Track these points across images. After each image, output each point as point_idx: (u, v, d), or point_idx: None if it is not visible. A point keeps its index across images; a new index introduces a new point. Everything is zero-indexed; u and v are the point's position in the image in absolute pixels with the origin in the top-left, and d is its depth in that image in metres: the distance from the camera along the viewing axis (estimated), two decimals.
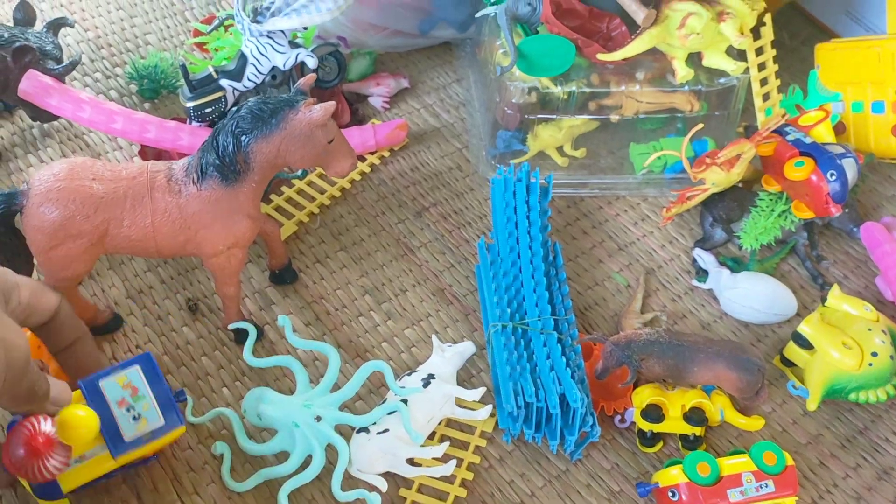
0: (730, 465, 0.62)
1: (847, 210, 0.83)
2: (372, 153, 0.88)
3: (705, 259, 0.80)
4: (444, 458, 0.64)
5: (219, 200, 0.64)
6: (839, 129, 0.89)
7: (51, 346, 0.56)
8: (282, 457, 0.64)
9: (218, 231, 0.65)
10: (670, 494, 0.61)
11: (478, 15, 0.85)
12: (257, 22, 0.81)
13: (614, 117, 0.87)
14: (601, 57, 0.78)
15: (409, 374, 0.67)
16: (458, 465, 0.64)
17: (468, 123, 0.93)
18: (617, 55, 0.78)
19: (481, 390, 0.66)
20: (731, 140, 0.88)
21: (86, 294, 0.74)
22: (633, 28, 0.80)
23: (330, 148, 0.66)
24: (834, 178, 0.75)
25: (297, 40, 0.86)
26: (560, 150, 0.89)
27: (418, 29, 0.97)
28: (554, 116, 0.85)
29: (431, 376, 0.66)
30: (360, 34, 0.96)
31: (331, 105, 0.63)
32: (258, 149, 0.63)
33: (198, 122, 0.82)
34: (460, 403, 0.67)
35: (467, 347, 0.69)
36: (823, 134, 0.82)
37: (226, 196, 0.64)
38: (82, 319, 0.61)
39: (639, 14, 0.76)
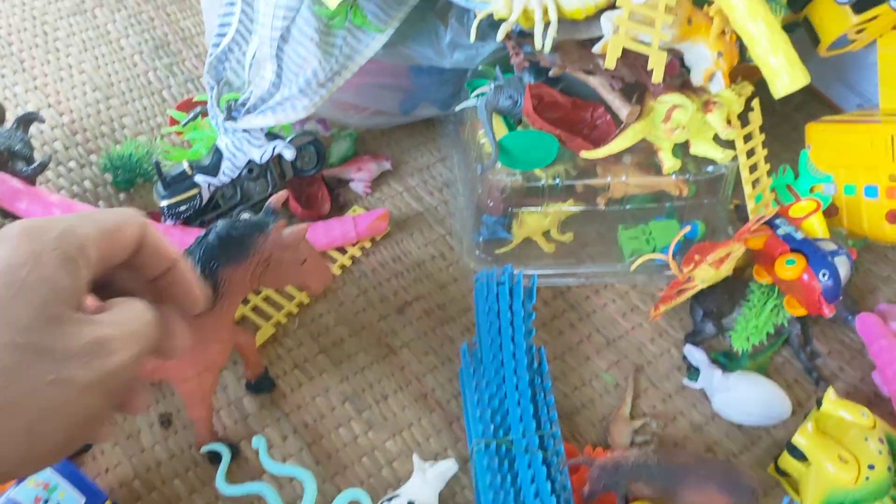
0: None
1: (842, 298, 0.80)
2: (353, 244, 0.86)
3: (696, 356, 0.77)
4: None
5: (190, 328, 0.61)
6: (831, 211, 0.87)
7: (143, 273, 0.41)
8: None
9: (187, 358, 0.62)
10: None
11: (458, 108, 0.83)
12: (232, 118, 0.79)
13: (601, 201, 0.85)
14: (585, 155, 0.76)
15: (388, 500, 0.65)
16: None
17: (452, 206, 0.91)
18: (601, 152, 0.76)
19: None
20: (721, 223, 0.87)
21: None
22: (618, 118, 0.78)
23: (303, 269, 0.63)
24: (826, 277, 0.73)
25: (275, 131, 0.84)
26: (547, 234, 0.87)
27: (399, 109, 0.95)
28: (539, 206, 0.83)
29: (412, 503, 0.64)
30: (340, 115, 0.94)
31: (302, 228, 0.61)
32: (228, 276, 0.60)
33: (172, 220, 0.80)
34: None
35: (449, 467, 0.67)
36: (815, 225, 0.79)
37: (195, 323, 0.61)
38: None
39: (622, 111, 0.74)
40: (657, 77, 0.69)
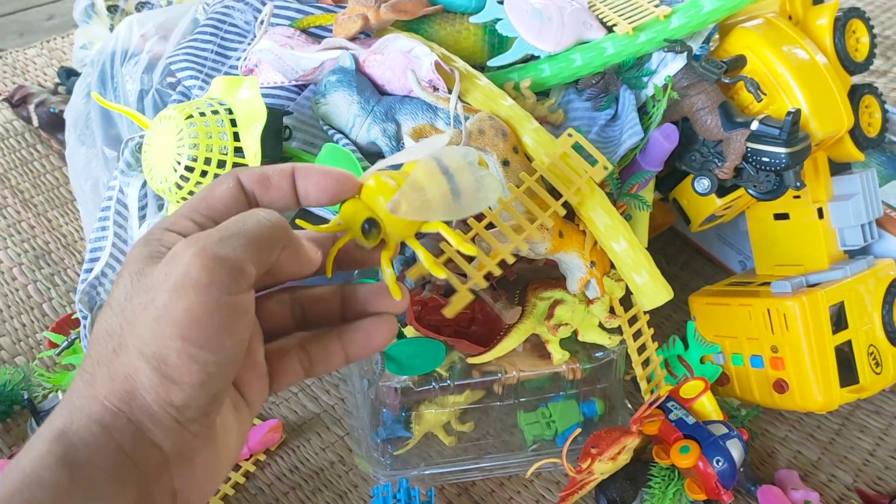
0: None
1: (743, 469, 0.81)
2: (246, 459, 0.82)
3: None
4: None
5: None
6: (723, 380, 0.88)
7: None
8: None
9: None
10: None
11: None
12: None
13: (498, 388, 0.84)
14: (471, 361, 0.76)
15: None
16: None
17: (349, 403, 0.89)
18: (487, 356, 0.76)
19: None
20: (618, 399, 0.87)
21: None
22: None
23: None
24: (720, 463, 0.73)
25: None
26: (447, 426, 0.86)
27: None
28: (435, 400, 0.82)
29: None
30: None
31: None
32: None
33: None
34: None
35: None
36: (706, 405, 0.80)
37: None
38: None
39: (504, 314, 0.75)
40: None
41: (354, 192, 0.40)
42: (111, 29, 1.17)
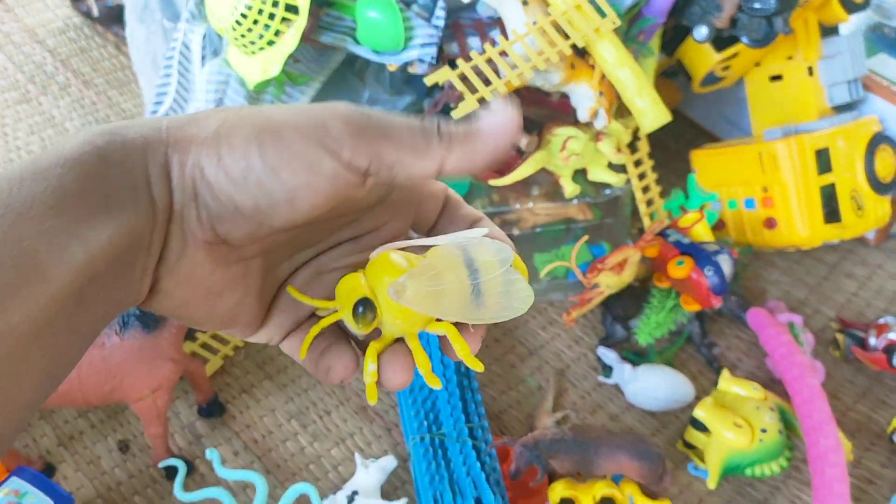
0: None
1: (735, 298, 0.90)
2: None
3: (609, 356, 0.86)
4: None
5: (142, 348, 0.68)
6: (719, 225, 0.98)
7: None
8: None
9: (142, 377, 0.68)
10: None
11: None
12: None
13: (516, 230, 0.94)
14: (493, 183, 0.86)
15: (334, 494, 0.71)
16: None
17: None
18: (507, 179, 0.85)
19: (403, 501, 0.70)
20: (625, 242, 0.97)
21: (18, 445, 0.76)
22: (522, 151, 0.88)
23: None
24: (711, 272, 0.83)
25: None
26: None
27: None
28: None
29: (355, 493, 0.70)
30: None
31: None
32: None
33: None
34: None
35: (389, 462, 0.73)
36: (702, 233, 0.90)
37: (148, 343, 0.68)
38: (11, 471, 0.64)
39: (521, 141, 0.85)
40: None
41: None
42: None
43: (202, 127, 0.30)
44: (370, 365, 0.33)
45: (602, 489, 0.71)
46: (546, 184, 0.93)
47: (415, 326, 0.33)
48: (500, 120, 0.31)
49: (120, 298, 0.30)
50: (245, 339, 0.36)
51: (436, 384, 0.33)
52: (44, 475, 0.64)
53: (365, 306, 0.32)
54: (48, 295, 0.26)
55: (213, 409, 0.80)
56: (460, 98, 0.76)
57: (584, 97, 0.83)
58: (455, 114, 0.76)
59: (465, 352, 0.33)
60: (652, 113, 0.81)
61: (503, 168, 0.89)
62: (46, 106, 1.17)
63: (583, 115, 0.84)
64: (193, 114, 0.31)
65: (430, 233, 0.36)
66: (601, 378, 0.86)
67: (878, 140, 0.94)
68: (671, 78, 1.08)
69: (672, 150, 1.13)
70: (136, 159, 0.29)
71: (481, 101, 0.76)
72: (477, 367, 0.33)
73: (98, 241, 0.27)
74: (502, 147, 0.31)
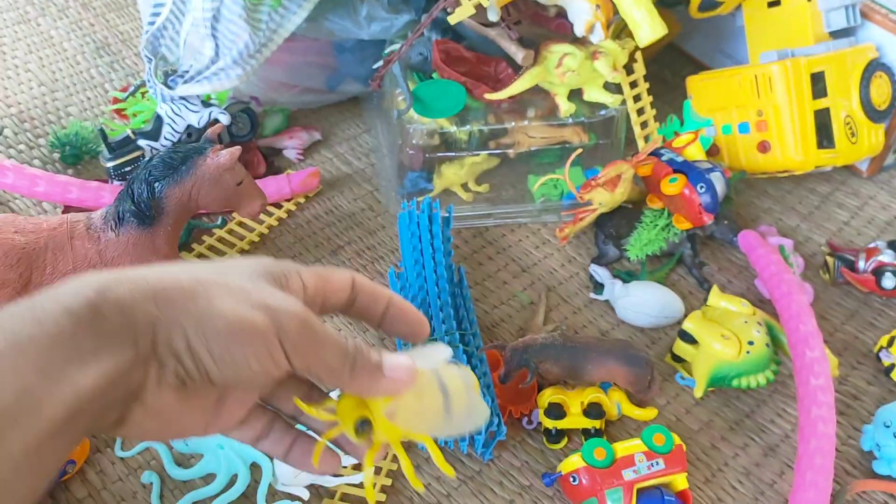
0: (623, 448, 0.68)
1: (727, 222, 0.91)
2: (288, 200, 0.94)
3: (600, 273, 0.87)
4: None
5: (136, 244, 0.69)
6: (713, 150, 0.98)
7: (367, 322, 0.46)
8: (209, 479, 0.67)
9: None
10: (572, 479, 0.66)
11: (374, 66, 0.92)
12: (168, 86, 0.87)
13: (511, 153, 0.95)
14: (488, 96, 0.86)
15: None
16: (377, 473, 0.69)
17: (378, 168, 1.00)
18: (503, 94, 0.86)
19: None
20: None
21: None
22: (519, 70, 0.88)
23: (239, 189, 0.71)
24: (703, 190, 0.83)
25: (212, 101, 0.92)
26: (465, 186, 0.96)
27: (326, 85, 1.05)
28: (454, 154, 0.92)
29: None
30: (272, 93, 1.03)
31: (236, 149, 0.69)
32: (171, 194, 0.68)
33: (118, 181, 0.87)
34: None
35: None
36: (695, 153, 0.90)
37: (143, 239, 0.69)
38: None
39: (518, 55, 0.85)
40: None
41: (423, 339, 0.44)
42: None
43: (189, 298, 0.35)
44: (369, 470, 0.41)
45: (590, 395, 0.73)
46: (542, 107, 0.93)
47: (399, 437, 0.41)
48: (401, 373, 0.39)
49: (98, 427, 0.34)
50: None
51: (371, 497, 0.42)
52: None
53: (364, 425, 0.39)
54: (39, 427, 0.31)
55: None
56: (457, 3, 0.75)
57: (581, 10, 0.83)
58: (451, 19, 0.76)
59: (439, 460, 0.42)
60: (648, 24, 0.81)
61: (500, 85, 0.89)
62: (45, 27, 1.17)
63: (579, 30, 0.84)
64: (184, 280, 0.36)
65: (347, 314, 0.43)
66: (592, 294, 0.87)
67: (874, 67, 0.94)
68: (671, 8, 1.08)
69: (669, 83, 1.13)
70: (125, 315, 0.33)
71: (478, 7, 0.76)
72: (449, 472, 0.43)
73: (85, 382, 0.32)
74: (395, 391, 0.39)
